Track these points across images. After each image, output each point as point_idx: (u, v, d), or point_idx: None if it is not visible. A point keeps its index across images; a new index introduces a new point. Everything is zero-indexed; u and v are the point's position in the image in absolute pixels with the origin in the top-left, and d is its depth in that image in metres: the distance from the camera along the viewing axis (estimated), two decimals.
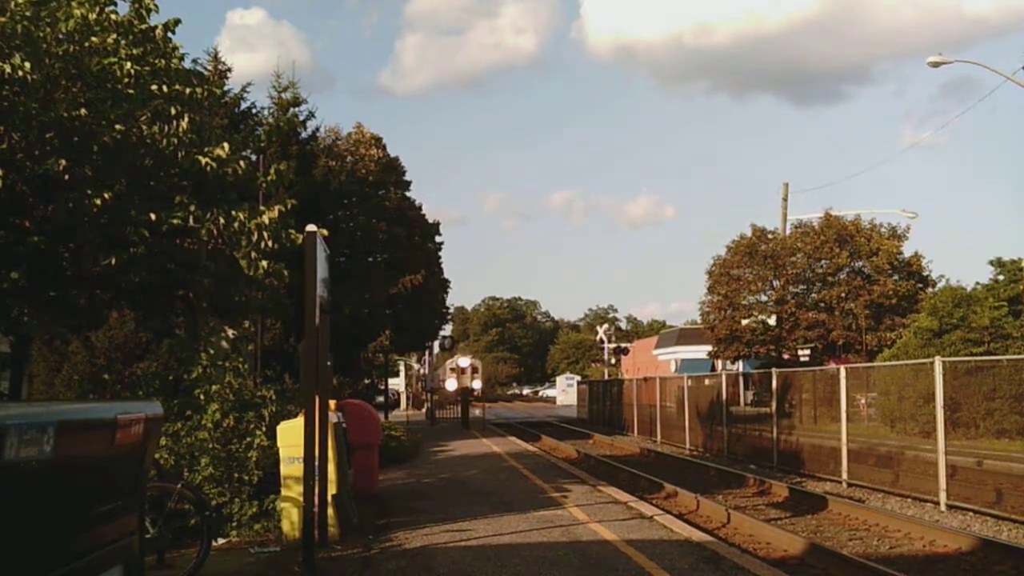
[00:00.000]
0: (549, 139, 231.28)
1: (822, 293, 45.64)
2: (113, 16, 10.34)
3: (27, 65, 9.02)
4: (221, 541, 10.35)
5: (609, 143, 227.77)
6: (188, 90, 10.86)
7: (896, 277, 44.33)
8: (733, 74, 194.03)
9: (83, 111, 9.60)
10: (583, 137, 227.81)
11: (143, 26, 10.69)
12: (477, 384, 60.46)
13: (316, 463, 9.26)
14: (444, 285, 45.96)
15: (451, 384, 56.08)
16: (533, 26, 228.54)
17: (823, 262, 45.62)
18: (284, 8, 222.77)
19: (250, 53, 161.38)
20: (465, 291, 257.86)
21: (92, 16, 9.94)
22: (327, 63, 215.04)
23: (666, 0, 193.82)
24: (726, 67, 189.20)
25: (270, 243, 10.97)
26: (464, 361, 60.75)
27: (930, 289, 43.48)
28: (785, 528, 12.32)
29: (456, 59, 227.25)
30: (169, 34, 11.17)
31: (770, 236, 47.34)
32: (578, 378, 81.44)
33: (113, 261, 10.04)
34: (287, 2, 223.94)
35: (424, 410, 52.10)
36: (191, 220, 10.48)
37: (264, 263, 10.97)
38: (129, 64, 10.09)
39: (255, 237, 10.88)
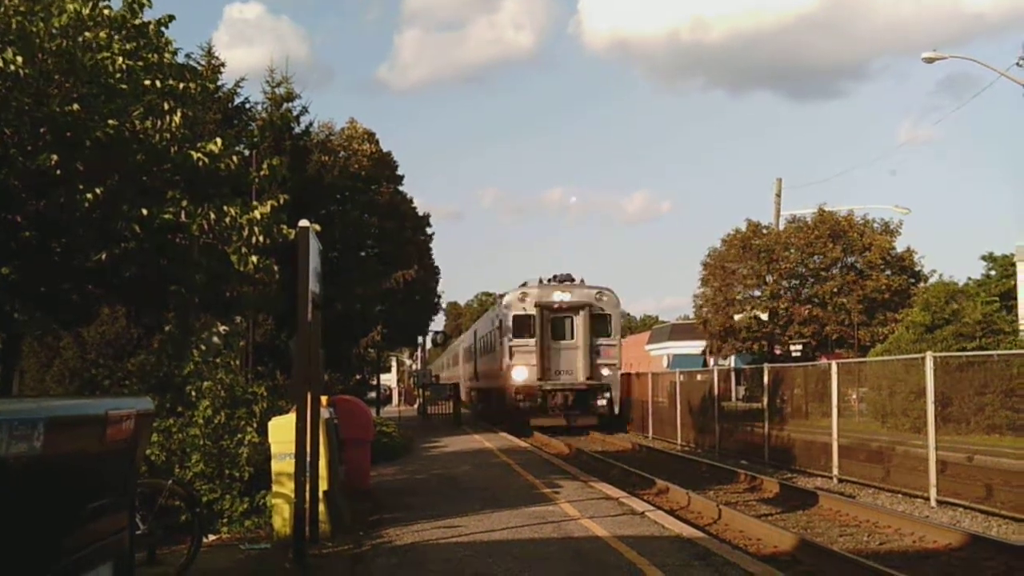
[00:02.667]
0: (546, 134, 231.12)
1: (815, 288, 45.74)
2: (106, 11, 10.32)
3: (19, 59, 9.00)
4: (212, 537, 10.35)
5: (605, 139, 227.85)
6: (181, 85, 10.85)
7: (889, 272, 44.47)
8: (730, 70, 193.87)
9: (76, 106, 9.58)
10: (579, 132, 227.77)
11: (136, 21, 10.67)
12: (609, 371, 30.09)
13: (308, 459, 9.27)
14: (435, 275, 45.63)
15: (520, 373, 29.30)
16: (530, 21, 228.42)
17: (816, 257, 45.72)
18: (282, 2, 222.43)
19: (248, 48, 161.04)
20: (459, 287, 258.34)
21: (85, 11, 9.92)
22: (326, 58, 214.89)
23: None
24: (723, 63, 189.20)
25: (261, 238, 10.96)
26: (562, 295, 29.88)
27: (922, 284, 43.60)
28: (776, 524, 12.36)
29: (454, 54, 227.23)
30: (163, 28, 11.17)
31: (764, 231, 47.42)
32: None
33: (104, 256, 10.02)
34: None
35: (416, 406, 50.17)
36: (183, 215, 10.47)
37: (254, 259, 10.96)
38: (121, 59, 10.07)
39: (246, 232, 10.86)
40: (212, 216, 10.66)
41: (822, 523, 13.03)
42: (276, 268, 11.45)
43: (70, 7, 9.82)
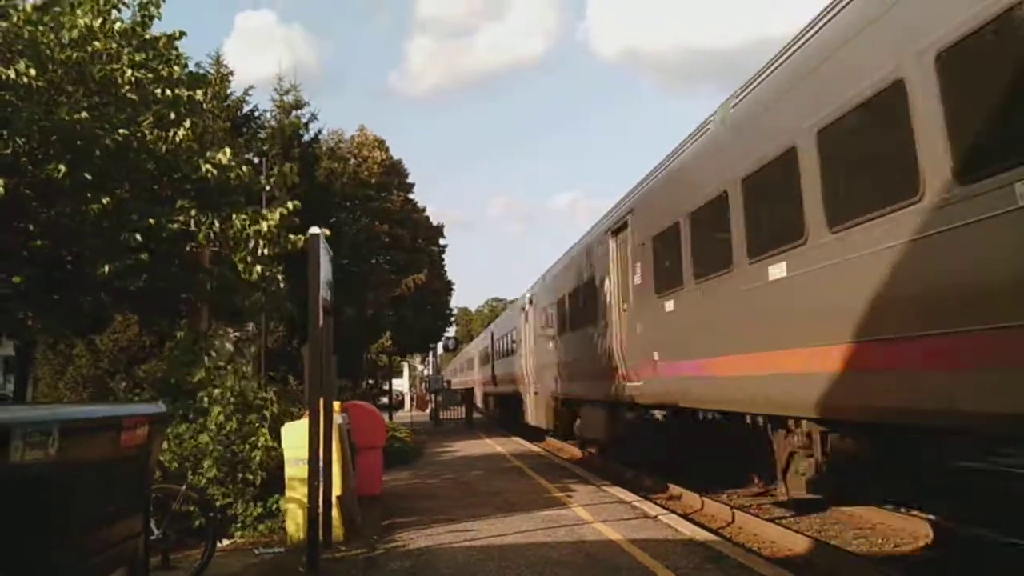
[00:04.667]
0: (554, 140, 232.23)
1: None
2: (116, 24, 10.41)
3: (32, 71, 9.08)
4: (226, 542, 10.38)
5: (613, 143, 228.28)
6: (187, 94, 10.92)
7: None
8: (740, 76, 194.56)
9: (84, 115, 9.64)
10: (587, 138, 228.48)
11: (145, 35, 10.77)
12: None
13: (321, 464, 9.28)
14: (448, 287, 45.66)
15: None
16: (540, 28, 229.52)
17: None
18: (294, 10, 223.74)
19: (259, 56, 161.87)
20: (469, 293, 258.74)
21: (96, 23, 10.00)
22: (337, 65, 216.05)
23: (672, 3, 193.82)
24: (733, 69, 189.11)
25: (265, 250, 11.02)
26: None
27: None
28: (789, 527, 12.30)
29: (464, 61, 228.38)
30: (175, 44, 11.27)
31: None
32: None
33: (110, 267, 10.07)
34: (297, 5, 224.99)
35: (428, 411, 49.83)
36: (191, 224, 10.53)
37: (259, 268, 11.01)
38: (131, 71, 10.15)
39: (252, 244, 10.93)
40: (217, 225, 10.72)
41: (836, 526, 12.95)
42: (280, 277, 11.49)
43: (81, 22, 9.90)
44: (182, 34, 11.32)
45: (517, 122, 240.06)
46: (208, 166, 10.65)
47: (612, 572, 8.57)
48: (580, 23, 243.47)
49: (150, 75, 10.56)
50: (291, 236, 11.31)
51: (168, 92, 10.67)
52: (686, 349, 12.82)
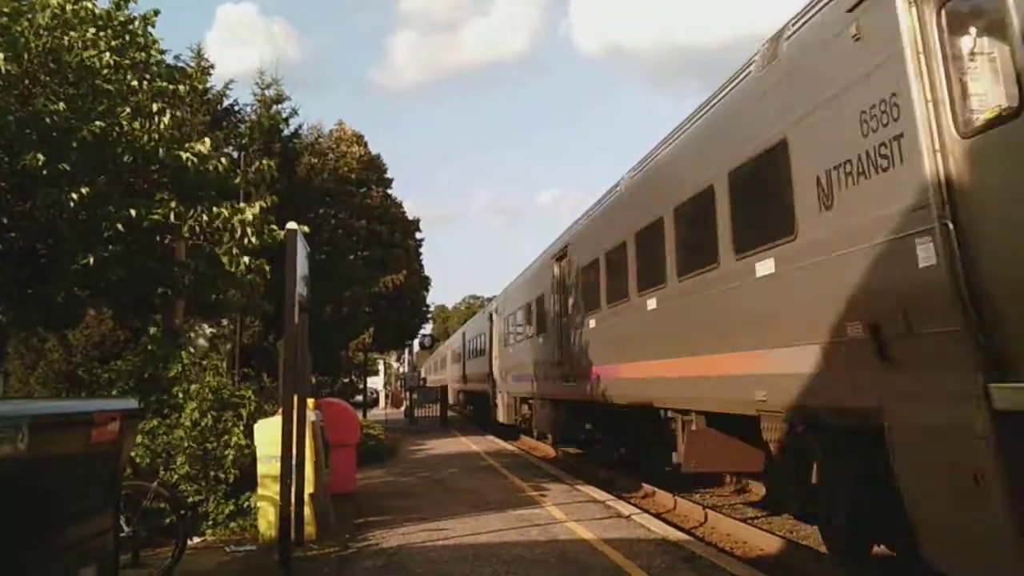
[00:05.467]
0: (538, 137, 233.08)
1: None
2: (89, 6, 10.29)
3: (0, 56, 8.98)
4: (197, 540, 10.32)
5: (596, 140, 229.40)
6: (172, 87, 10.83)
7: None
8: (725, 73, 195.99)
9: (61, 106, 9.54)
10: (570, 135, 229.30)
11: (121, 17, 10.65)
12: None
13: (293, 462, 9.25)
14: (424, 283, 45.47)
15: None
16: (523, 24, 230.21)
17: None
18: (276, 3, 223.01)
19: (241, 49, 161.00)
20: (447, 289, 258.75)
21: (68, 6, 9.89)
22: (319, 60, 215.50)
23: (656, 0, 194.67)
24: (717, 66, 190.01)
25: (253, 239, 10.95)
26: None
27: None
28: (762, 527, 12.36)
29: (448, 56, 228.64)
30: (150, 29, 11.15)
31: None
32: None
33: (91, 259, 9.98)
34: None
35: (403, 409, 49.55)
36: (172, 217, 10.45)
37: (246, 259, 10.95)
38: (108, 55, 10.04)
39: (238, 233, 10.86)
40: (204, 217, 10.66)
41: (809, 526, 13.02)
42: (267, 268, 11.44)
43: (53, 1, 9.80)
44: (156, 13, 11.18)
45: (501, 117, 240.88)
46: (189, 155, 10.58)
47: (585, 571, 8.60)
48: (563, 20, 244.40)
49: (127, 62, 10.46)
50: (273, 228, 11.27)
51: (146, 83, 10.58)
52: None
